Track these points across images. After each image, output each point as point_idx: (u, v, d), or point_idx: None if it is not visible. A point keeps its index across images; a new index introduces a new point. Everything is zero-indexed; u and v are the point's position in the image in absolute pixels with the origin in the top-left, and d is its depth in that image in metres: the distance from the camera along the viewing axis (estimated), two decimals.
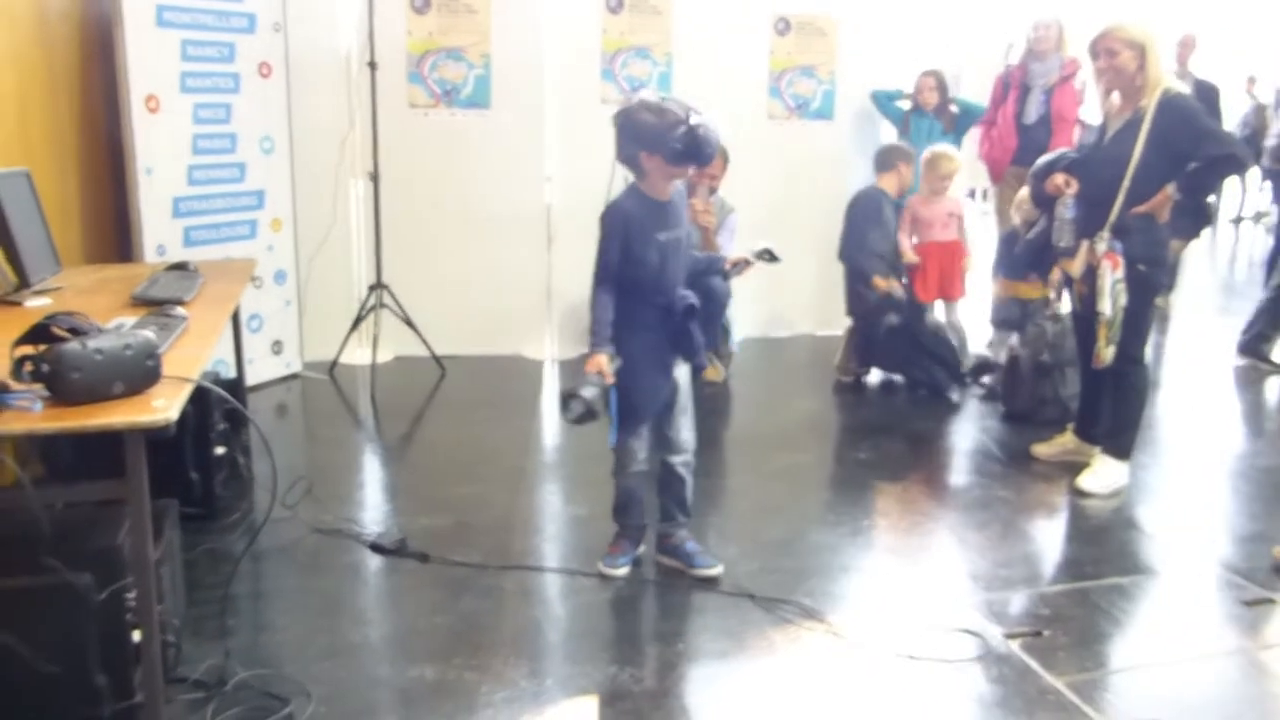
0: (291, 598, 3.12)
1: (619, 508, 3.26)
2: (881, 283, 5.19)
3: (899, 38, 6.45)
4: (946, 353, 5.22)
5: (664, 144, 2.91)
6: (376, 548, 3.34)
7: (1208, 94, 6.34)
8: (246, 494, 3.71)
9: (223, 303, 3.17)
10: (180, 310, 2.79)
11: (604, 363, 2.98)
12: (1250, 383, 5.71)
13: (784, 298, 6.13)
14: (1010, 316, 5.19)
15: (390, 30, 5.25)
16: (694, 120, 2.89)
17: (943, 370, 5.18)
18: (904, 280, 5.27)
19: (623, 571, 3.19)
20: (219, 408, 3.55)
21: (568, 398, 2.93)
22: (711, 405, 5.17)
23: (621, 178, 3.15)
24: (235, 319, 3.90)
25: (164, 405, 2.06)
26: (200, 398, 3.27)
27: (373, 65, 4.97)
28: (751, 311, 5.92)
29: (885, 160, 5.45)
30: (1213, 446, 4.66)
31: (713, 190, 5.15)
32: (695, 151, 2.93)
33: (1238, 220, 13.77)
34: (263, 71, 4.84)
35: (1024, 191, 4.77)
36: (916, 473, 4.20)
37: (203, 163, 4.63)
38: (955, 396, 5.14)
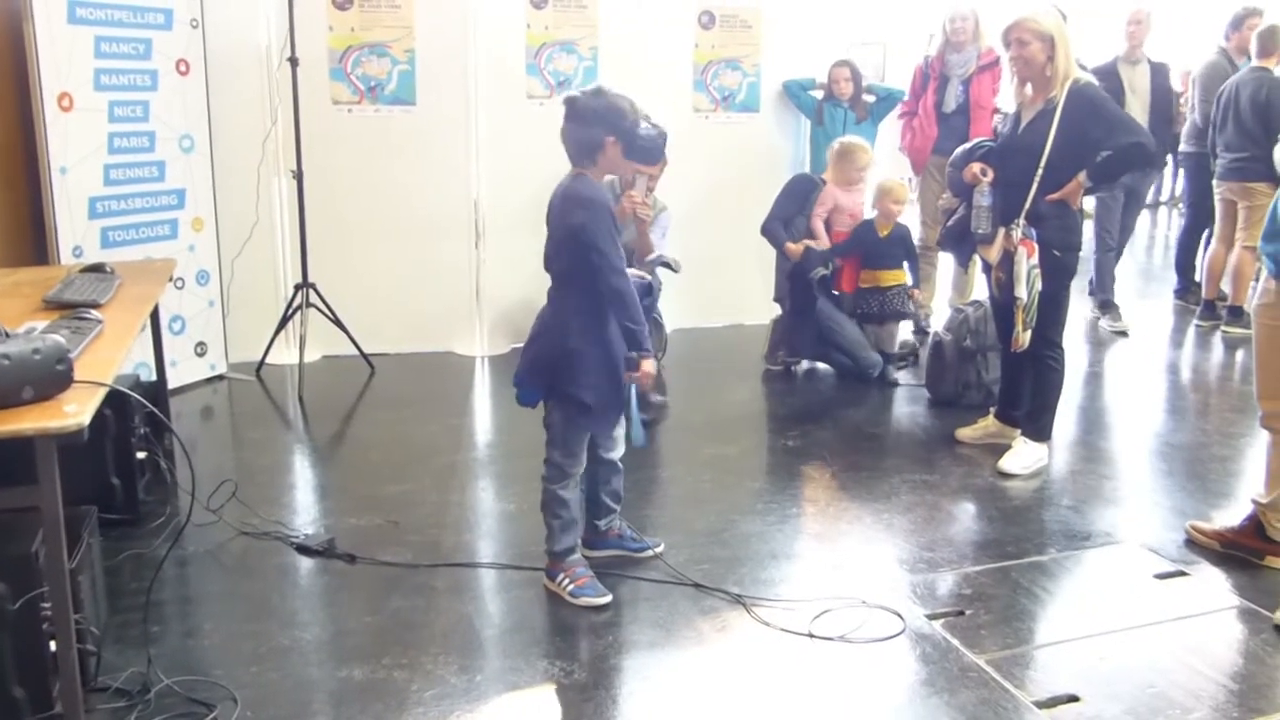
0: (217, 602, 3.07)
1: (568, 524, 3.06)
2: (794, 246, 5.26)
3: (823, 29, 6.51)
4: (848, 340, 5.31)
5: (631, 134, 2.91)
6: (304, 549, 3.31)
7: (1162, 77, 6.39)
8: (170, 498, 3.65)
9: (140, 304, 3.11)
10: (95, 313, 2.74)
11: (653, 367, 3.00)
12: (1164, 364, 5.89)
13: (713, 288, 6.16)
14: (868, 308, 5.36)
15: (311, 26, 5.17)
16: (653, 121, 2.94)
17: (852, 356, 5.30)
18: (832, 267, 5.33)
19: (608, 597, 3.04)
20: (140, 412, 3.49)
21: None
22: (643, 397, 5.20)
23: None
24: (155, 321, 3.83)
25: (75, 410, 2.03)
26: (120, 402, 3.22)
27: (294, 61, 4.90)
28: (681, 302, 5.95)
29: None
30: (1128, 425, 4.80)
31: (650, 189, 5.16)
32: (654, 150, 2.98)
33: (1154, 206, 14.13)
34: (180, 68, 4.75)
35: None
36: (844, 459, 4.26)
37: (120, 162, 4.54)
38: (877, 373, 5.25)
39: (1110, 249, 6.56)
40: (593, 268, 2.87)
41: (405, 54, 5.45)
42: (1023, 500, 3.88)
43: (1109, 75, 5.96)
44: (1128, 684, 2.66)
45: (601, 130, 2.90)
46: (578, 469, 3.06)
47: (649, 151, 2.97)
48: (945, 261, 6.32)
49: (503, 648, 2.80)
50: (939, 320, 5.69)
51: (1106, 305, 6.57)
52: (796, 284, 5.29)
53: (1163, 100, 6.38)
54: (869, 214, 5.46)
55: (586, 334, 2.93)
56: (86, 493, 3.07)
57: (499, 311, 5.81)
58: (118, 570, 3.13)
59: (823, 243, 5.31)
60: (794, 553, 3.39)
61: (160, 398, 3.85)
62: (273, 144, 5.18)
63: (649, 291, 3.07)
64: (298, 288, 5.12)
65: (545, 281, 5.57)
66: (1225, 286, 6.47)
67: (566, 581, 3.04)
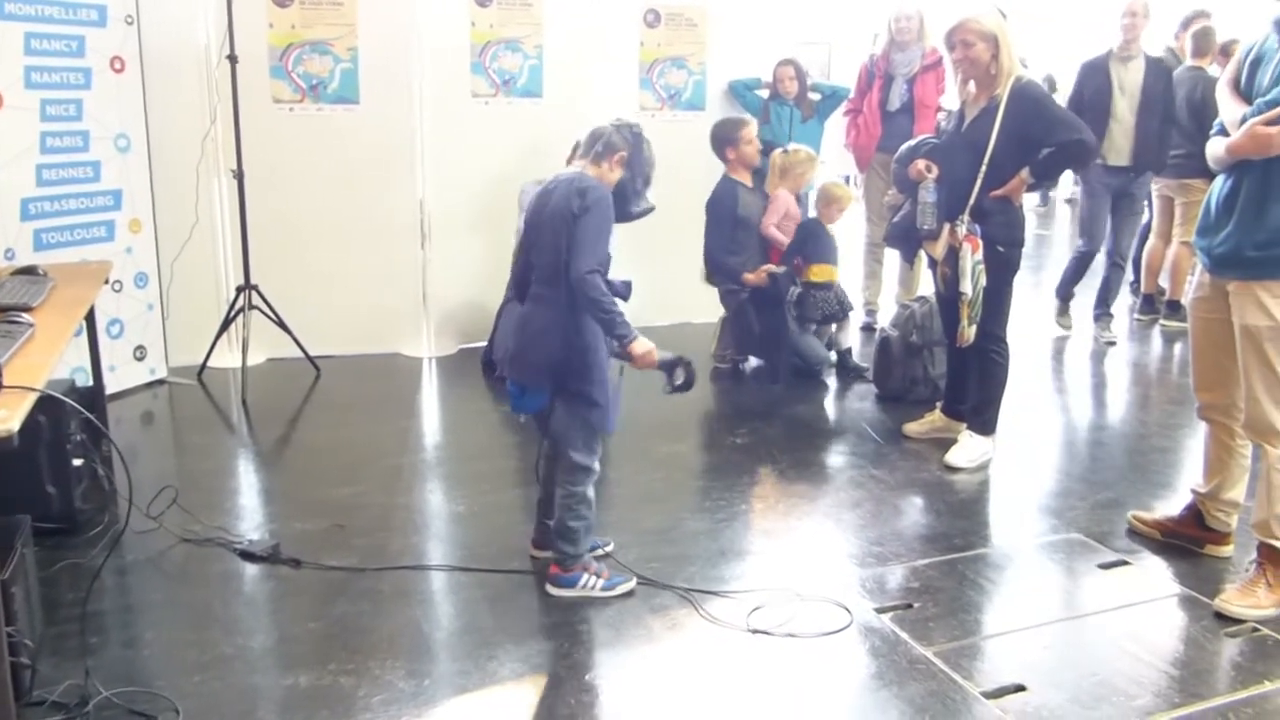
0: (159, 611, 3.01)
1: (591, 525, 3.06)
2: (751, 277, 5.23)
3: (768, 28, 6.53)
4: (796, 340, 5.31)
5: (636, 176, 3.04)
6: (247, 555, 3.25)
7: (1160, 75, 5.81)
8: (109, 506, 3.57)
9: (74, 308, 3.04)
10: (26, 317, 2.68)
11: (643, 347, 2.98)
12: (1106, 358, 5.98)
13: (661, 286, 6.14)
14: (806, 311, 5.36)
15: (251, 23, 5.08)
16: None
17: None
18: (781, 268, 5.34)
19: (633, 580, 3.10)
20: (76, 418, 3.40)
21: (675, 365, 2.95)
22: None
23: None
24: (92, 325, 3.75)
25: (5, 416, 1.97)
26: (55, 408, 3.14)
27: (233, 59, 4.81)
28: (629, 301, 5.93)
29: (720, 144, 5.42)
30: (1071, 418, 4.88)
31: None
32: (627, 203, 3.05)
33: (1073, 200, 14.39)
34: (115, 66, 4.64)
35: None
36: (793, 455, 4.28)
37: (52, 162, 4.43)
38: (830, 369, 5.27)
39: (1090, 252, 6.23)
40: (571, 254, 2.87)
41: (348, 52, 5.38)
42: (969, 493, 3.92)
43: (1096, 72, 5.81)
44: (1072, 672, 2.69)
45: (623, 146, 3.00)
46: (598, 465, 3.06)
47: (625, 200, 3.02)
48: (891, 258, 6.36)
49: (451, 651, 2.78)
50: (885, 316, 5.73)
51: (1065, 303, 6.40)
52: (764, 306, 5.26)
53: (1158, 100, 5.77)
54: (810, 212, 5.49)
55: (594, 330, 2.94)
56: (20, 501, 3.00)
57: (446, 312, 5.76)
58: (54, 580, 3.05)
59: (781, 244, 5.31)
60: (743, 549, 3.40)
61: (97, 403, 3.76)
62: (212, 143, 5.10)
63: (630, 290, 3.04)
64: (240, 290, 5.04)
65: (493, 281, 5.58)
66: (1163, 281, 6.59)
67: (592, 580, 3.03)
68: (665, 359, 2.98)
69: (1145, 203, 6.42)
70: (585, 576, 3.03)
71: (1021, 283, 4.21)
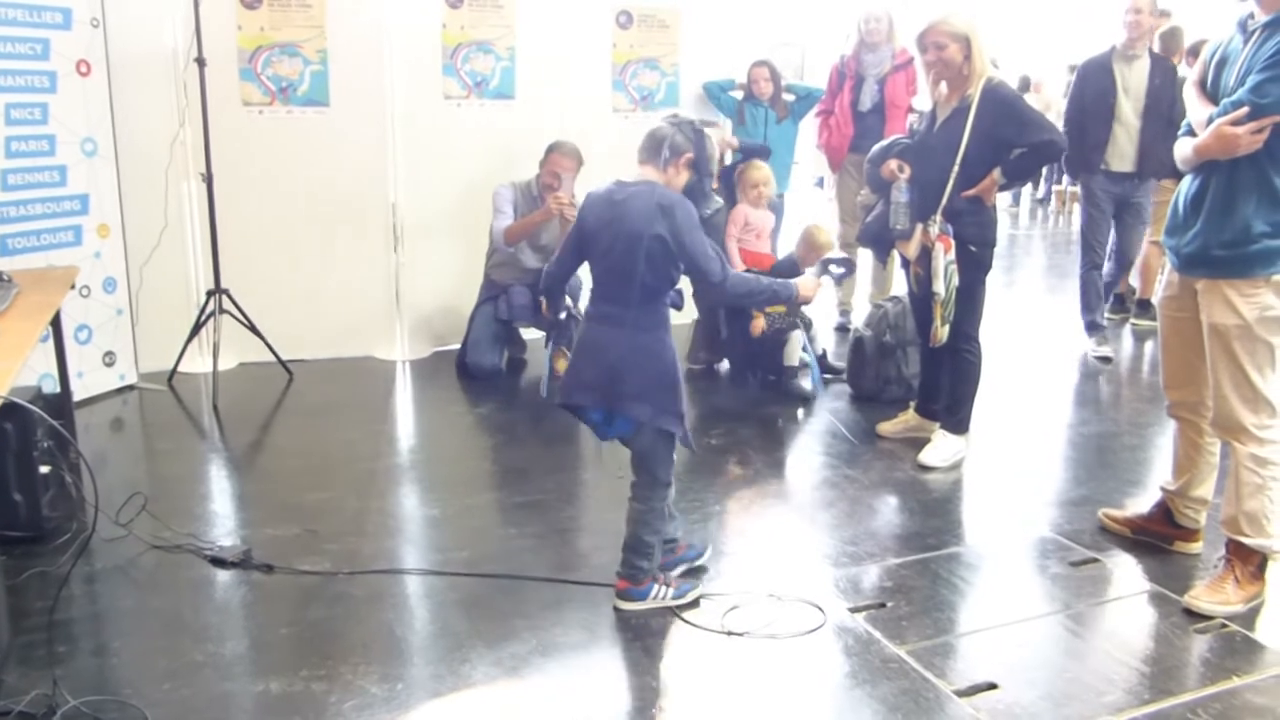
0: (128, 619, 2.98)
1: (660, 540, 3.00)
2: (760, 324, 5.06)
3: (742, 29, 6.54)
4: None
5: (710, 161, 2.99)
6: (218, 561, 3.23)
7: (1165, 74, 5.51)
8: (77, 514, 3.52)
9: (39, 313, 3.01)
10: None
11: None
12: (1077, 357, 6.03)
13: None
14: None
15: (219, 25, 5.04)
16: None
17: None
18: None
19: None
20: (43, 425, 3.36)
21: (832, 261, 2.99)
22: None
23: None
24: (58, 330, 3.70)
25: None
26: (21, 415, 3.10)
27: (200, 62, 4.77)
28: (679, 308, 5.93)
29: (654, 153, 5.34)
30: (1043, 417, 4.90)
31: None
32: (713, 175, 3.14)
33: (1044, 200, 14.54)
34: (81, 69, 4.60)
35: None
36: (767, 456, 4.28)
37: (18, 166, 4.37)
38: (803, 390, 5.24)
39: (1096, 266, 5.93)
40: (695, 271, 2.84)
41: (317, 54, 5.35)
42: (942, 492, 3.94)
43: (1098, 71, 5.56)
44: (1044, 670, 2.71)
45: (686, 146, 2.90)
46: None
47: (694, 202, 2.93)
48: (865, 258, 6.39)
49: (425, 655, 2.76)
50: (859, 316, 5.75)
51: (1093, 327, 5.98)
52: (732, 313, 5.21)
53: (1164, 101, 5.42)
54: (777, 235, 5.44)
55: (673, 346, 2.90)
56: None
57: (419, 315, 5.74)
58: (21, 589, 3.01)
59: (734, 262, 5.21)
60: (717, 550, 3.38)
61: (65, 409, 3.72)
62: (181, 147, 5.06)
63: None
64: (210, 294, 5.00)
65: (467, 284, 5.56)
66: (1134, 280, 6.65)
67: (663, 590, 2.99)
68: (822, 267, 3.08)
69: (1150, 212, 5.92)
70: (656, 588, 2.99)
71: (994, 282, 4.23)
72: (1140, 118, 5.49)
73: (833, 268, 2.95)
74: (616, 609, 2.97)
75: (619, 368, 2.81)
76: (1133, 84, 5.48)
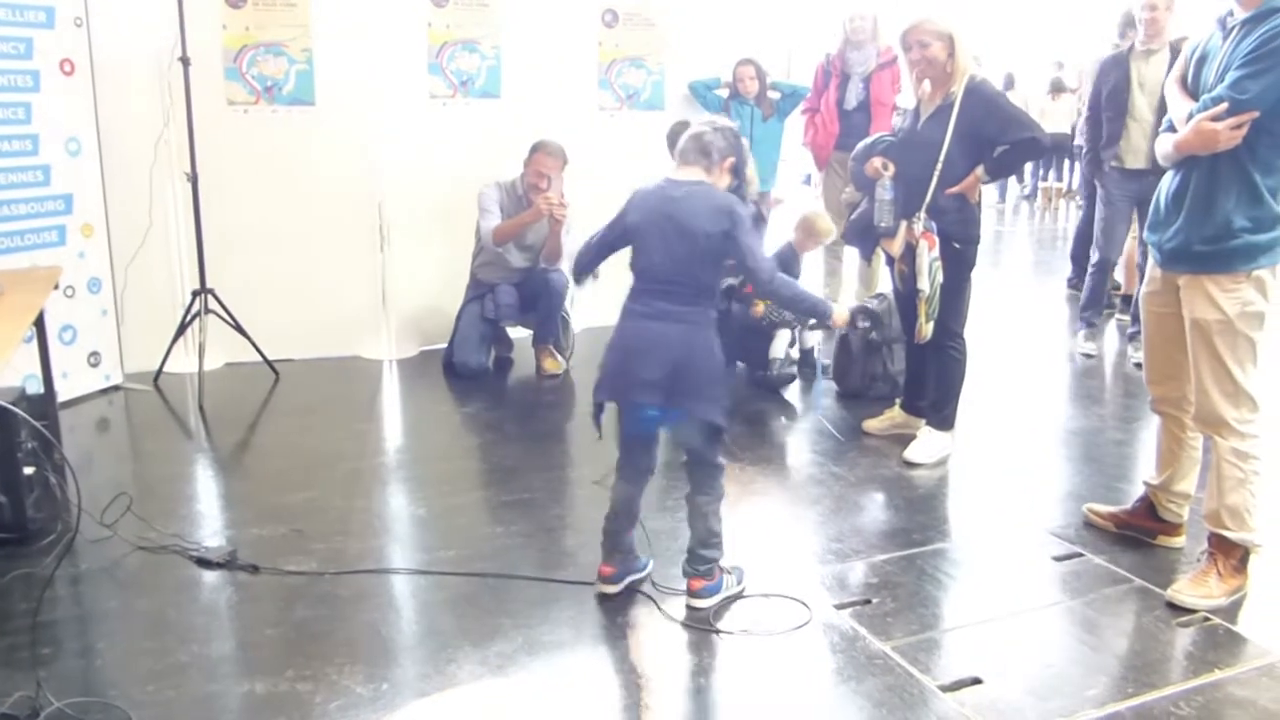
0: (113, 620, 2.97)
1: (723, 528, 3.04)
2: (760, 309, 5.04)
3: (727, 26, 6.55)
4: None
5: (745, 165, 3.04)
6: (204, 562, 3.22)
7: None
8: (62, 515, 3.51)
9: (22, 314, 3.00)
10: None
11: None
12: (1062, 352, 6.06)
13: (622, 286, 6.15)
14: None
15: (203, 24, 5.03)
16: None
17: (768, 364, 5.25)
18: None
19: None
20: (27, 426, 3.35)
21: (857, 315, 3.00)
22: (552, 396, 5.18)
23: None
24: (42, 331, 3.68)
25: None
26: (5, 416, 3.09)
27: (185, 61, 4.76)
28: (591, 301, 5.94)
29: (670, 144, 5.30)
30: (1028, 412, 4.92)
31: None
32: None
33: (1030, 196, 14.62)
34: (65, 69, 4.58)
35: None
36: (753, 453, 4.29)
37: (1, 166, 4.36)
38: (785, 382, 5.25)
39: (1109, 265, 5.88)
40: (748, 269, 2.92)
41: (303, 53, 5.34)
42: (928, 489, 3.95)
43: (1115, 68, 5.49)
44: (1028, 664, 2.73)
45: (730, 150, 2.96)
46: None
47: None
48: (850, 255, 6.41)
49: (411, 654, 2.76)
50: None
51: (1089, 325, 5.94)
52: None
53: None
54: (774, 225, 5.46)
55: (718, 341, 2.93)
56: None
57: (406, 314, 5.73)
58: (6, 591, 3.00)
59: None
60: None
61: (49, 410, 3.70)
62: (165, 146, 5.04)
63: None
64: (195, 294, 4.98)
65: (454, 283, 5.56)
66: (1118, 275, 6.67)
67: (729, 577, 3.05)
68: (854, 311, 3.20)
69: None
70: (725, 579, 3.03)
71: (979, 279, 4.24)
72: (1155, 113, 5.30)
73: (860, 319, 3.02)
74: (693, 609, 2.96)
75: (681, 365, 2.83)
76: (1149, 79, 5.36)
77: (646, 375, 2.83)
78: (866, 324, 3.08)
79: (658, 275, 2.87)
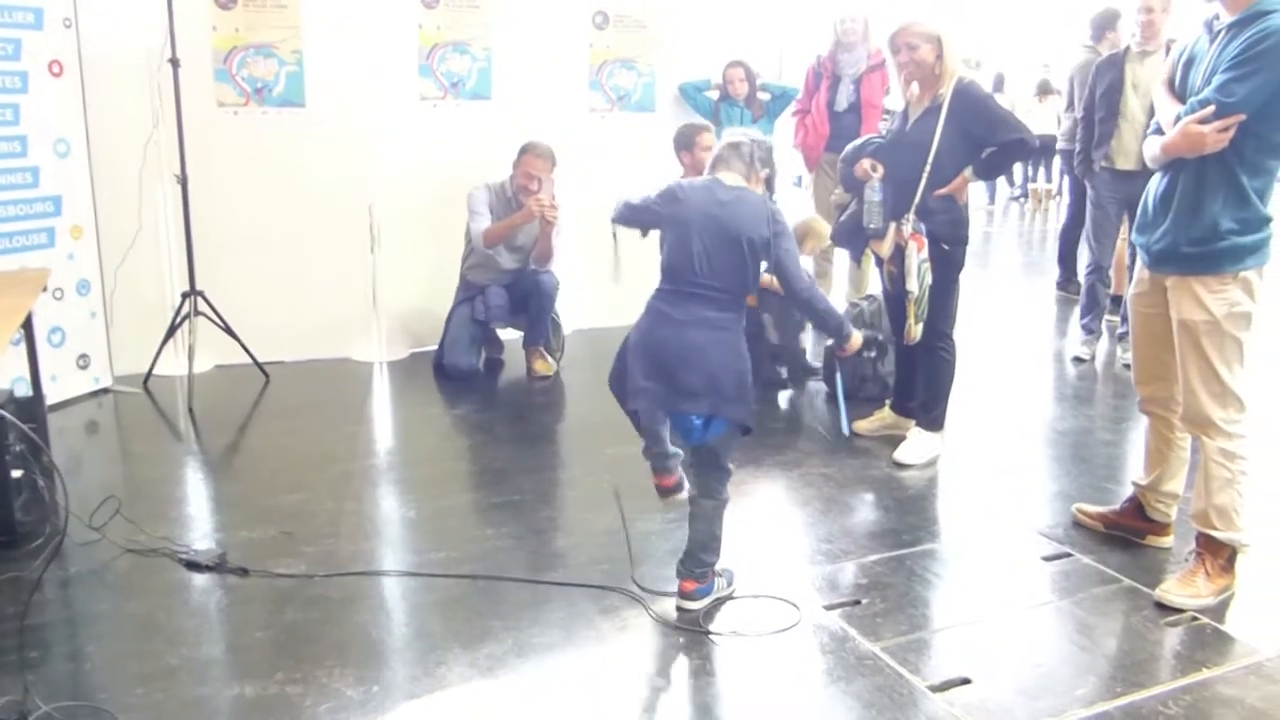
0: (102, 623, 2.96)
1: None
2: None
3: (718, 28, 6.55)
4: (788, 353, 5.26)
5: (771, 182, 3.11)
6: (193, 565, 3.21)
7: None
8: (51, 518, 3.50)
9: (10, 316, 2.99)
10: None
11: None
12: (1051, 353, 6.08)
13: (612, 289, 6.14)
14: None
15: (193, 26, 5.02)
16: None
17: (774, 362, 5.25)
18: None
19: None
20: (15, 429, 3.34)
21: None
22: (543, 398, 5.18)
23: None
24: (30, 333, 3.67)
25: None
26: None
27: (174, 62, 4.75)
28: (581, 303, 5.94)
29: (677, 147, 5.31)
30: (1018, 413, 4.94)
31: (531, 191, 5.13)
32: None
33: (1020, 197, 14.67)
34: (54, 70, 4.57)
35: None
36: (743, 454, 4.25)
37: None
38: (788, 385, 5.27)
39: (1102, 268, 5.84)
40: (787, 275, 2.94)
41: (293, 55, 5.33)
42: (918, 489, 3.96)
43: (1112, 67, 5.48)
44: (1017, 664, 2.74)
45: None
46: None
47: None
48: (841, 256, 6.41)
49: (401, 656, 2.76)
50: None
51: (1088, 330, 5.89)
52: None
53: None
54: None
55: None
56: None
57: (397, 316, 5.73)
58: None
59: None
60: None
61: (37, 413, 3.69)
62: (155, 148, 5.02)
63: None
64: (185, 296, 4.97)
65: (444, 284, 5.55)
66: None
67: (720, 580, 3.05)
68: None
69: None
70: (716, 581, 3.04)
71: (969, 280, 4.25)
72: (1148, 115, 5.08)
73: (866, 350, 3.09)
74: (683, 610, 2.96)
75: (720, 373, 2.84)
76: (1142, 80, 5.34)
77: (692, 386, 2.82)
78: (871, 354, 3.17)
79: (695, 278, 2.85)
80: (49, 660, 2.71)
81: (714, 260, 2.84)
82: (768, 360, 5.14)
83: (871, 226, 4.17)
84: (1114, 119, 5.46)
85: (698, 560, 2.99)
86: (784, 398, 5.13)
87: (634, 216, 3.07)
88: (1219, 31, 2.90)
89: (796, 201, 7.07)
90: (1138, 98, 5.39)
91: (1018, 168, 14.04)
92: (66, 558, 3.23)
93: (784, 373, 5.30)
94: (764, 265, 2.94)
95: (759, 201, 2.92)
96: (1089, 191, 5.82)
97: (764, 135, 3.11)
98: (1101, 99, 5.52)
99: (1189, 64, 3.03)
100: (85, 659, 2.74)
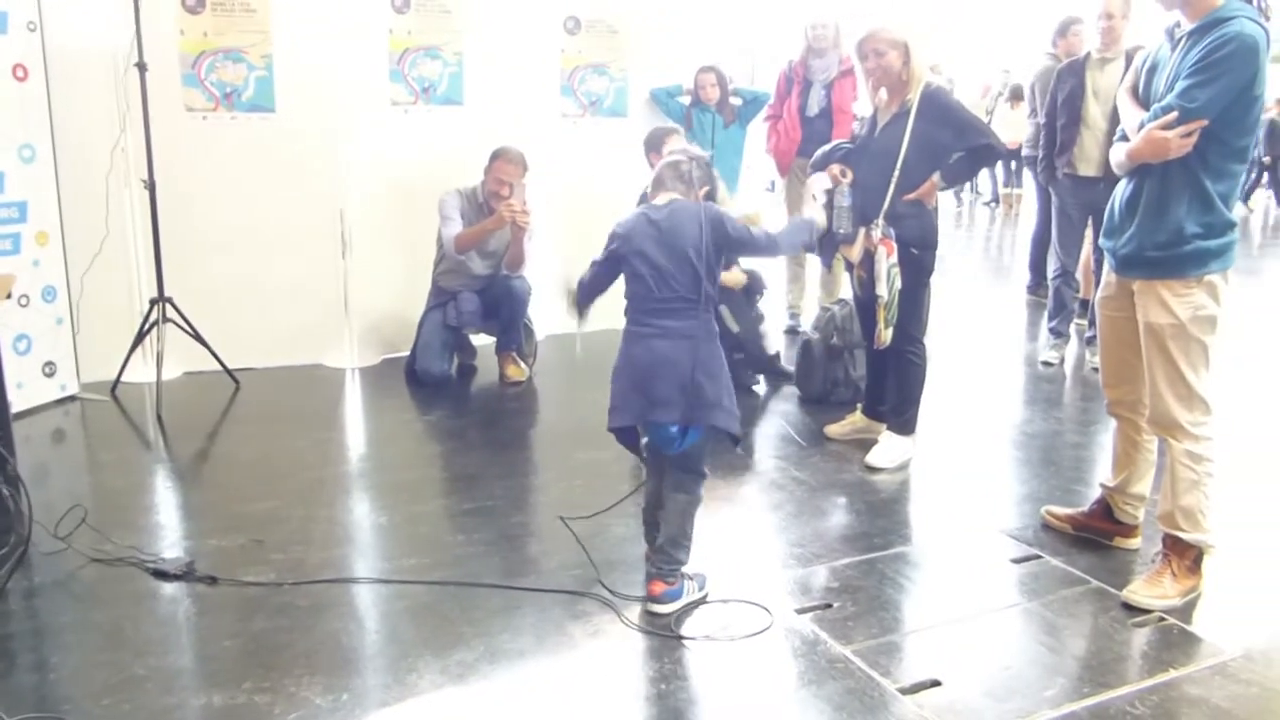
0: (67, 633, 2.92)
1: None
2: (729, 277, 5.06)
3: (690, 34, 6.58)
4: (751, 344, 5.29)
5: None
6: (161, 574, 3.18)
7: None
8: (14, 527, 3.45)
9: None
10: None
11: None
12: (1020, 356, 6.12)
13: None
14: None
15: (160, 30, 4.99)
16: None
17: (744, 362, 5.26)
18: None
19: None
20: None
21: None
22: (516, 404, 5.17)
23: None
24: None
25: None
26: None
27: (141, 67, 4.71)
28: (553, 308, 5.93)
29: (646, 151, 5.30)
30: (988, 416, 4.97)
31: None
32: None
33: (991, 203, 14.78)
34: (18, 74, 4.52)
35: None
36: (715, 459, 4.23)
37: None
38: (757, 387, 5.28)
39: (1068, 273, 5.86)
40: (746, 245, 3.08)
41: (262, 59, 5.30)
42: (889, 493, 3.98)
43: (1072, 74, 5.50)
44: (986, 666, 2.75)
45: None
46: None
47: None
48: (813, 262, 6.44)
49: (371, 664, 2.74)
50: (808, 319, 5.80)
51: (1056, 334, 5.93)
52: None
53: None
54: None
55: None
56: None
57: (368, 322, 5.70)
58: None
59: None
60: None
61: (3, 421, 3.64)
62: (122, 153, 4.98)
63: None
64: (153, 302, 4.92)
65: (416, 290, 5.53)
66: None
67: (691, 583, 3.06)
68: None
69: None
70: (686, 584, 3.05)
71: (939, 285, 4.28)
72: (1109, 121, 5.31)
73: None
74: (654, 614, 2.96)
75: (697, 380, 2.89)
76: (1103, 87, 5.37)
77: (663, 394, 2.90)
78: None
79: (654, 296, 2.93)
80: (13, 672, 2.68)
81: (667, 277, 2.92)
82: (732, 354, 5.14)
83: (841, 231, 4.18)
84: (1075, 125, 5.50)
85: (667, 556, 3.01)
86: (756, 402, 5.14)
87: (592, 286, 3.16)
88: (1180, 39, 2.94)
89: (769, 207, 7.11)
90: (1099, 104, 5.42)
91: (984, 174, 14.13)
92: (31, 567, 3.19)
93: (760, 379, 5.32)
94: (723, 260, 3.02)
95: (691, 206, 2.98)
96: (1053, 198, 5.87)
97: (702, 152, 3.16)
98: (1063, 106, 5.56)
99: (1152, 71, 3.06)
100: (50, 669, 2.71)
